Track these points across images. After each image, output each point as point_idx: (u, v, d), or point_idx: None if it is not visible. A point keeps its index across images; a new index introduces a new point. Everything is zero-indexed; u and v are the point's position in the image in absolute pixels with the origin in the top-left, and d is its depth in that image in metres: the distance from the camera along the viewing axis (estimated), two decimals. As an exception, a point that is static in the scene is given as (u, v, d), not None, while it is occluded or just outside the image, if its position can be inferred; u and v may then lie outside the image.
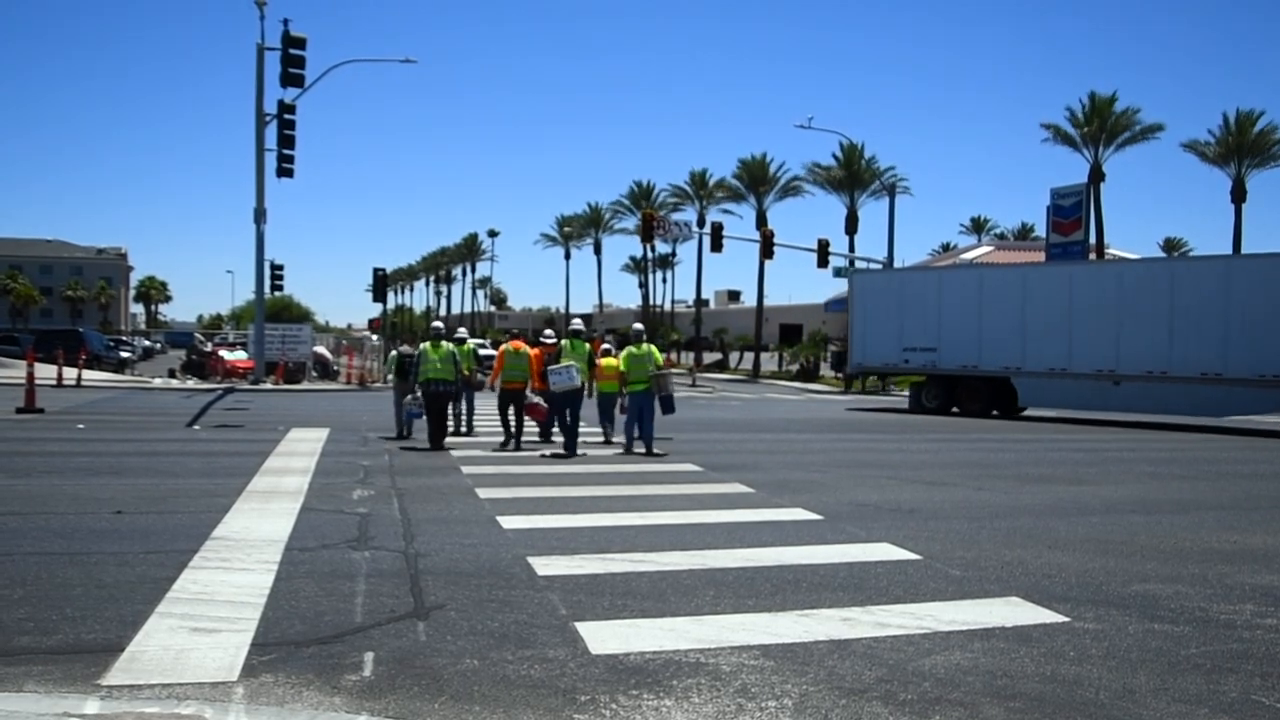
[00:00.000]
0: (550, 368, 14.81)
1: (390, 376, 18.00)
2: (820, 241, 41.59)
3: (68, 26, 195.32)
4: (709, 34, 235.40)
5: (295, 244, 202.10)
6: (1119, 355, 22.70)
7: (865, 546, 7.82)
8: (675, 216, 59.56)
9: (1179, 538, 8.53)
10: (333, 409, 22.64)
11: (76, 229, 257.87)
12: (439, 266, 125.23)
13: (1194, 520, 9.53)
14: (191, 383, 32.85)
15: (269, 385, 31.31)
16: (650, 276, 78.16)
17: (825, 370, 49.85)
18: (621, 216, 78.06)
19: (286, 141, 30.78)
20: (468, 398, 17.10)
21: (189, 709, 4.06)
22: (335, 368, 36.84)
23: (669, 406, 15.12)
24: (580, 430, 14.61)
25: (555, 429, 15.10)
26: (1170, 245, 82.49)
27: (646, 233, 44.56)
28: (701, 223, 59.49)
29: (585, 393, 15.17)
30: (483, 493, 10.18)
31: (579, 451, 14.20)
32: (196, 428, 17.53)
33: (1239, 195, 47.61)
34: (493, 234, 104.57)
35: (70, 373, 29.01)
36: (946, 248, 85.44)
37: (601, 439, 15.82)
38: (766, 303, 58.30)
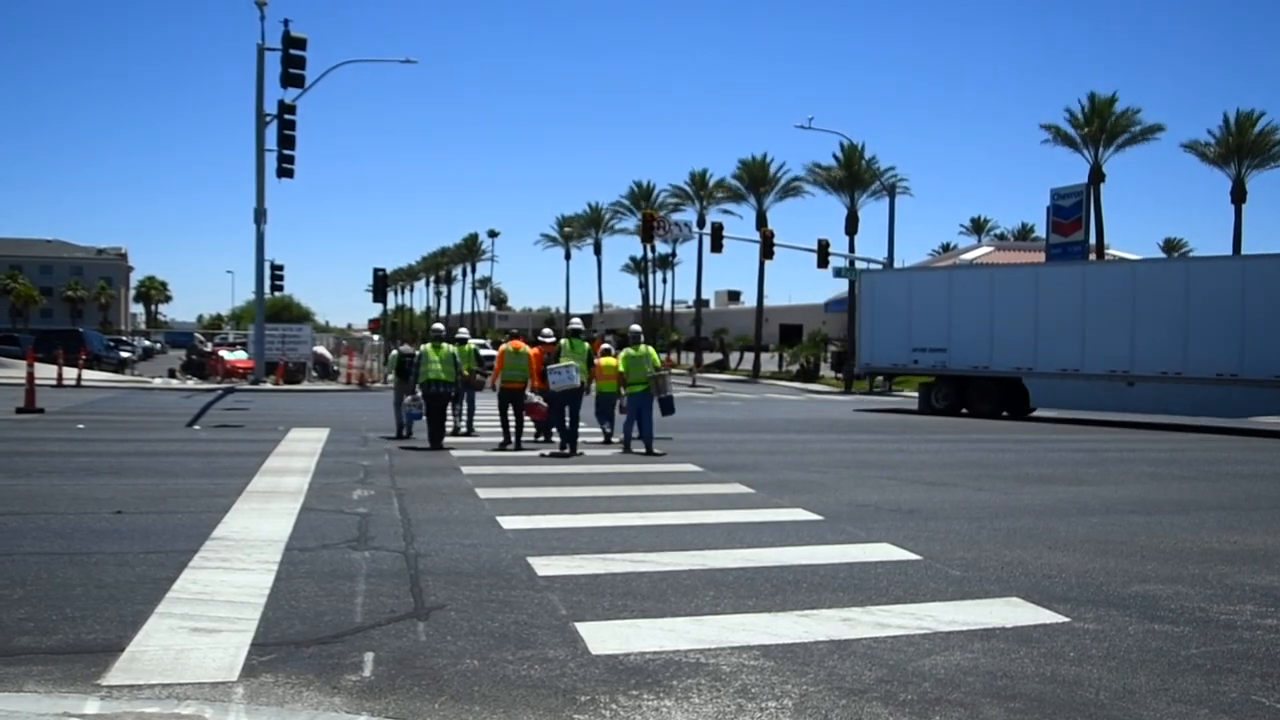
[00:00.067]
0: (550, 367, 14.82)
1: (390, 376, 18.02)
2: (820, 242, 41.59)
3: (68, 26, 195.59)
4: (709, 34, 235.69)
5: (295, 244, 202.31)
6: (1133, 356, 22.57)
7: (865, 547, 7.82)
8: (675, 217, 59.54)
9: (1179, 538, 8.53)
10: (333, 409, 22.64)
11: (76, 229, 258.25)
12: (439, 267, 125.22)
13: (1194, 521, 9.53)
14: (191, 383, 32.85)
15: (269, 385, 31.31)
16: (650, 277, 78.21)
17: (825, 371, 49.90)
18: (621, 217, 78.13)
19: (286, 142, 30.78)
20: (469, 398, 17.11)
21: (189, 709, 4.06)
22: (335, 368, 36.84)
23: (669, 408, 15.12)
24: (580, 430, 14.62)
25: (555, 429, 15.11)
26: (1170, 246, 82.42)
27: (646, 233, 44.55)
28: (701, 223, 59.50)
29: (585, 392, 15.18)
30: (483, 493, 10.18)
31: (579, 451, 14.21)
32: (196, 428, 17.53)
33: (1239, 196, 47.58)
34: (493, 234, 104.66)
35: (70, 373, 29.01)
36: (946, 248, 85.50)
37: (601, 439, 15.84)
38: (766, 303, 58.30)
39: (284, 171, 30.90)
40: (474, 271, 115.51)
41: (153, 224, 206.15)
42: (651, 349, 15.22)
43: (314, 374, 35.31)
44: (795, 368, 51.68)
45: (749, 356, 58.37)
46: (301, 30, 29.90)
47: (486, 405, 18.55)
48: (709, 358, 63.42)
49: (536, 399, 14.87)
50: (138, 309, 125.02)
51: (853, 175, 50.30)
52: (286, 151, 30.83)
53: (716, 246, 41.51)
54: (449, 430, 15.80)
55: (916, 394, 29.07)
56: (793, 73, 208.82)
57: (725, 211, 63.57)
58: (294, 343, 35.08)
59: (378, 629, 5.27)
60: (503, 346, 15.67)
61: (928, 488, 11.43)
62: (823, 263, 41.65)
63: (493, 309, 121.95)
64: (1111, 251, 48.36)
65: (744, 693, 4.44)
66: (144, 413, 20.98)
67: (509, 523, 8.44)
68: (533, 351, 15.55)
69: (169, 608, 5.54)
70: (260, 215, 32.45)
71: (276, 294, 47.95)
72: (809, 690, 4.50)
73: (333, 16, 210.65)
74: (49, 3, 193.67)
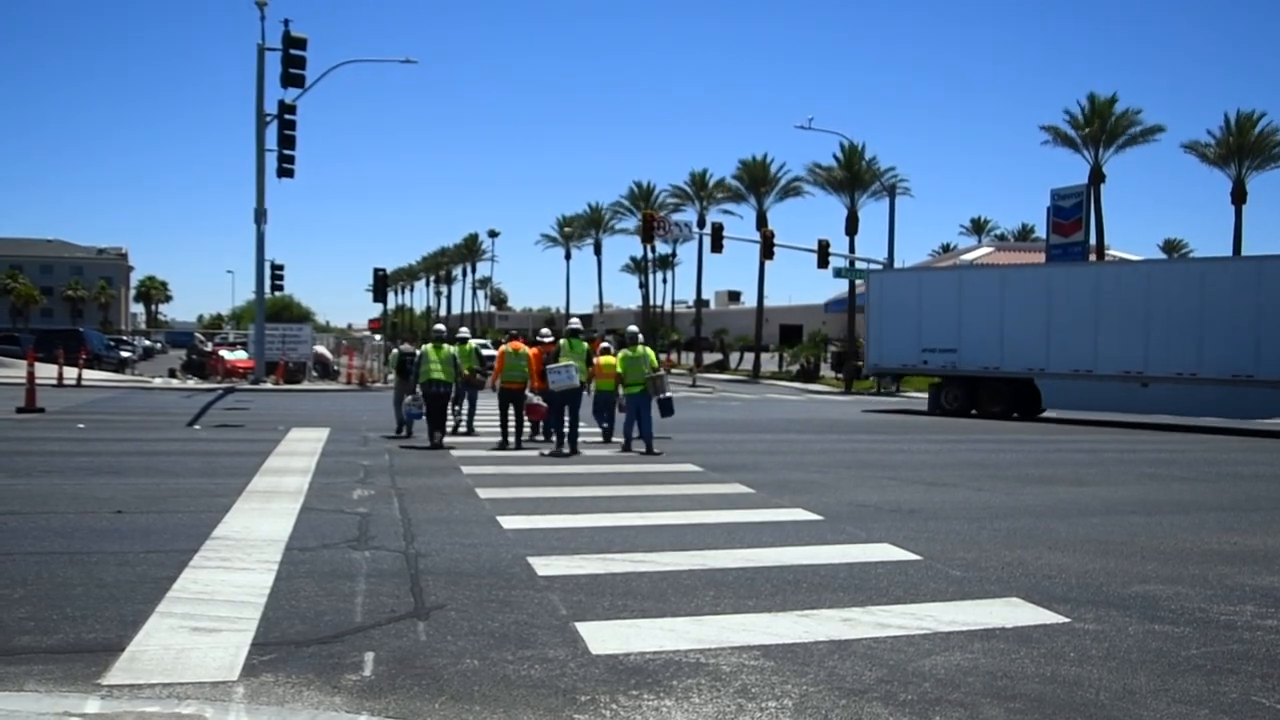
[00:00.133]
0: (549, 367, 14.83)
1: (391, 375, 18.03)
2: (820, 242, 41.58)
3: (68, 26, 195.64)
4: (709, 34, 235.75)
5: (295, 244, 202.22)
6: (1147, 357, 22.42)
7: (866, 547, 7.82)
8: (675, 217, 59.45)
9: (1179, 539, 8.53)
10: (333, 409, 22.64)
11: (76, 229, 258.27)
12: (439, 267, 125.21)
13: (1194, 521, 9.53)
14: (192, 382, 32.85)
15: (269, 385, 31.31)
16: (650, 277, 78.17)
17: (825, 371, 49.91)
18: (622, 217, 78.07)
19: (287, 142, 30.78)
20: (470, 397, 17.13)
21: (189, 708, 4.06)
22: (335, 368, 36.85)
23: (667, 410, 15.12)
24: (580, 430, 14.62)
25: (554, 429, 15.11)
26: (1170, 246, 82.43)
27: (647, 233, 44.55)
28: (702, 223, 59.47)
29: (585, 392, 15.19)
30: (483, 493, 10.18)
31: (578, 451, 14.21)
32: (197, 427, 17.54)
33: (1239, 196, 47.56)
34: (493, 234, 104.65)
35: (70, 372, 29.01)
36: (947, 248, 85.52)
37: (600, 438, 15.84)
38: (767, 303, 58.29)
39: (284, 171, 30.91)
40: (474, 271, 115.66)
41: (153, 224, 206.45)
42: (649, 350, 15.22)
43: (314, 374, 35.32)
44: (795, 368, 51.68)
45: (749, 357, 58.36)
46: (301, 30, 29.96)
47: (487, 405, 18.54)
48: (709, 358, 63.42)
49: (537, 400, 14.88)
50: (138, 309, 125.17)
51: (853, 175, 50.26)
52: (286, 151, 30.84)
53: (716, 247, 41.51)
54: (449, 430, 15.81)
55: (920, 394, 28.96)
56: (793, 73, 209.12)
57: (725, 212, 63.60)
58: (294, 343, 35.08)
59: (378, 629, 5.27)
60: (502, 348, 15.68)
61: (928, 488, 11.43)
62: (823, 263, 41.65)
63: (493, 309, 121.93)
64: (1111, 252, 48.34)
65: (744, 693, 4.45)
66: (144, 412, 20.98)
67: (509, 522, 8.44)
68: (532, 352, 15.56)
69: (169, 607, 5.54)
70: (260, 215, 32.45)
71: (277, 294, 47.97)
72: (809, 690, 4.50)
73: (333, 16, 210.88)
74: (49, 3, 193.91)
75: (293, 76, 29.46)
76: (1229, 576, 7.07)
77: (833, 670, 4.78)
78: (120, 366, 39.88)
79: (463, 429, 17.04)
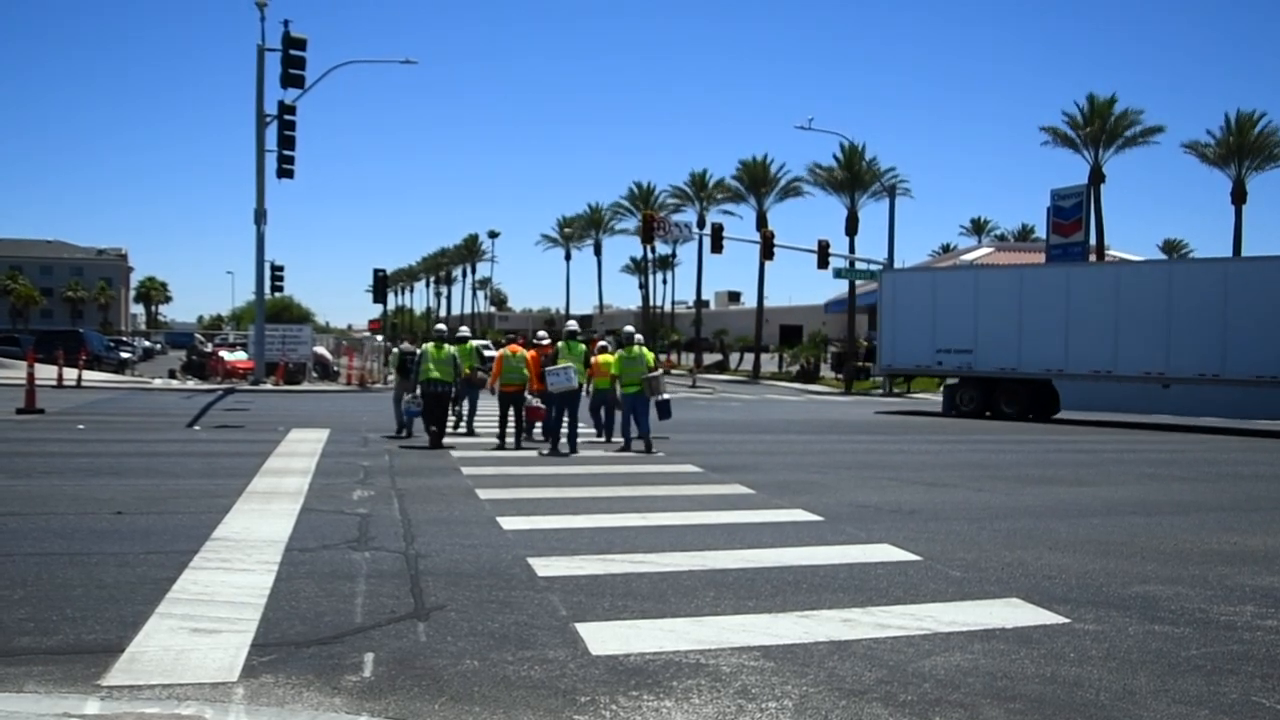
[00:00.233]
0: (548, 369, 14.84)
1: (391, 375, 18.05)
2: (820, 242, 41.57)
3: (68, 26, 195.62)
4: (709, 34, 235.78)
5: (295, 244, 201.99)
6: (1169, 357, 22.19)
7: (866, 548, 7.82)
8: (675, 217, 59.46)
9: (1179, 539, 8.53)
10: (333, 410, 22.64)
11: (76, 229, 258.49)
12: (439, 267, 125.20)
13: (1194, 521, 9.53)
14: (192, 383, 32.85)
15: (269, 386, 31.31)
16: (650, 277, 78.11)
17: (825, 371, 49.91)
18: (622, 217, 78.05)
19: (287, 142, 30.78)
20: (470, 397, 17.15)
21: (189, 709, 4.06)
22: (335, 368, 36.84)
23: (665, 412, 15.13)
24: (579, 430, 14.63)
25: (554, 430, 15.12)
26: (1170, 247, 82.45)
27: (647, 234, 44.55)
28: (702, 224, 59.48)
29: (584, 393, 15.21)
30: (483, 493, 10.18)
31: (578, 451, 14.22)
32: (197, 428, 17.54)
33: (1239, 196, 47.57)
34: (493, 235, 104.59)
35: (70, 373, 29.01)
36: (947, 249, 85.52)
37: (600, 438, 15.86)
38: (767, 304, 58.29)
39: (284, 172, 30.91)
40: (474, 272, 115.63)
41: (153, 224, 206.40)
42: (646, 350, 15.23)
43: (314, 375, 35.31)
44: (795, 368, 51.69)
45: (749, 357, 58.36)
46: (301, 30, 30.02)
47: (487, 406, 18.55)
48: (709, 358, 63.42)
49: (536, 402, 14.91)
50: (138, 309, 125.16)
51: (853, 176, 50.26)
52: (286, 152, 30.84)
53: (716, 247, 41.51)
54: (449, 429, 15.83)
55: (927, 395, 28.74)
56: (793, 73, 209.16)
57: (725, 212, 63.59)
58: (294, 343, 35.07)
59: (378, 629, 5.27)
60: (501, 351, 15.73)
61: (928, 488, 11.43)
62: (823, 263, 41.64)
63: (493, 310, 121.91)
64: (1111, 252, 48.33)
65: (744, 693, 4.44)
66: (144, 413, 20.98)
67: (509, 523, 8.44)
68: (530, 355, 15.60)
69: (169, 608, 5.54)
70: (260, 216, 32.45)
71: (276, 294, 47.98)
72: (809, 691, 4.50)
73: (333, 16, 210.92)
74: (49, 3, 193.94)
75: (292, 77, 29.46)
76: (1229, 577, 7.07)
77: (833, 671, 4.78)
78: (120, 367, 39.87)
79: (463, 429, 17.05)
